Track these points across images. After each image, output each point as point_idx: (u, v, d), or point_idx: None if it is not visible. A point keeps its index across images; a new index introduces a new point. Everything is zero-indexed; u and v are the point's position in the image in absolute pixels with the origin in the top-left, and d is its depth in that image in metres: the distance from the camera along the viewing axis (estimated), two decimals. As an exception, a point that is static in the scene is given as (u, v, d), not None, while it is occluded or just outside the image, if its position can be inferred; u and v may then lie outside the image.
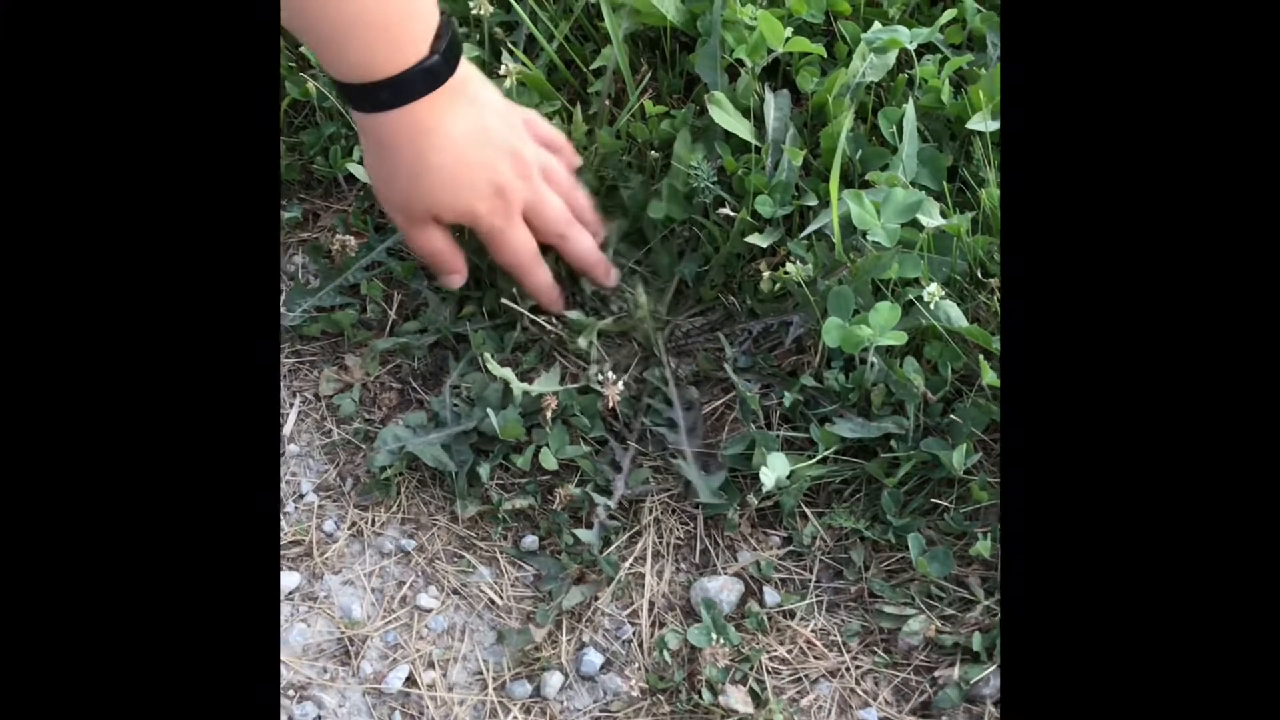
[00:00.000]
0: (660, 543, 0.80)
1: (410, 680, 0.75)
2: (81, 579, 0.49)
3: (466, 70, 0.78)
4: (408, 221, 0.82)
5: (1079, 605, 0.51)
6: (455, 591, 0.79)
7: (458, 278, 0.86)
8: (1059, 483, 0.51)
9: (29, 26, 0.51)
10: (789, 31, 0.87)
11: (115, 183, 0.51)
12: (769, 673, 0.75)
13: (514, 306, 0.85)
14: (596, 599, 0.78)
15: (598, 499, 0.80)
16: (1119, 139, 0.53)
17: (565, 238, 0.85)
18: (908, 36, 0.87)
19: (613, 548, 0.79)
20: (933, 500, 0.78)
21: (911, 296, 0.79)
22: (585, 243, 0.86)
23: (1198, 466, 0.50)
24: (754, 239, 0.85)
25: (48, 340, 0.50)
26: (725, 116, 0.87)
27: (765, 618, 0.76)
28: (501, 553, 0.80)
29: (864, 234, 0.79)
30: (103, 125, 0.51)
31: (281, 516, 0.82)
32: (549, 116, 0.92)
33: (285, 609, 0.78)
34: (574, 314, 0.86)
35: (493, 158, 0.79)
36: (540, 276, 0.85)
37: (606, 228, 0.89)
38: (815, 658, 0.75)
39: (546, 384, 0.83)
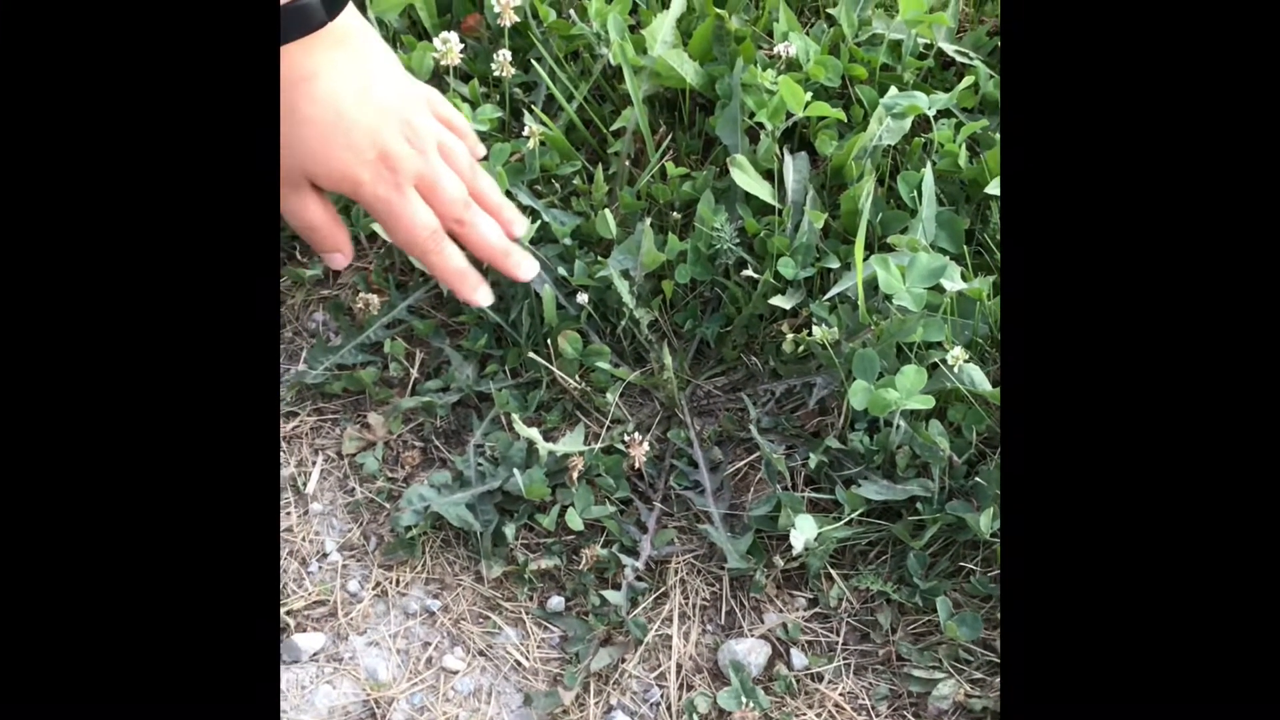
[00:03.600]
0: (687, 604, 0.80)
1: (438, 744, 0.75)
2: (76, 650, 0.49)
3: (356, 23, 0.72)
4: (281, 185, 0.74)
5: (1085, 669, 0.51)
6: (481, 653, 0.79)
7: (340, 258, 0.79)
8: (1063, 545, 0.52)
9: (24, 55, 0.51)
10: (809, 96, 0.88)
11: (115, 227, 0.51)
12: (798, 736, 0.75)
13: (540, 361, 0.85)
14: (624, 661, 0.78)
15: (625, 560, 0.80)
16: (1119, 201, 0.54)
17: (464, 222, 0.77)
18: (926, 103, 0.88)
19: (639, 609, 0.79)
20: (959, 563, 0.78)
21: (935, 360, 0.80)
22: (486, 228, 0.78)
23: (1210, 520, 0.51)
24: (777, 300, 0.85)
25: (40, 388, 0.50)
26: (747, 179, 0.88)
27: (794, 680, 0.76)
28: (528, 614, 0.80)
29: (888, 298, 0.80)
30: (102, 165, 0.51)
31: (305, 576, 0.81)
32: (569, 176, 0.93)
33: (310, 670, 0.78)
34: (603, 365, 0.86)
35: (378, 120, 0.72)
36: (447, 258, 0.77)
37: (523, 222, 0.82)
38: (845, 721, 0.75)
39: (571, 444, 0.83)
